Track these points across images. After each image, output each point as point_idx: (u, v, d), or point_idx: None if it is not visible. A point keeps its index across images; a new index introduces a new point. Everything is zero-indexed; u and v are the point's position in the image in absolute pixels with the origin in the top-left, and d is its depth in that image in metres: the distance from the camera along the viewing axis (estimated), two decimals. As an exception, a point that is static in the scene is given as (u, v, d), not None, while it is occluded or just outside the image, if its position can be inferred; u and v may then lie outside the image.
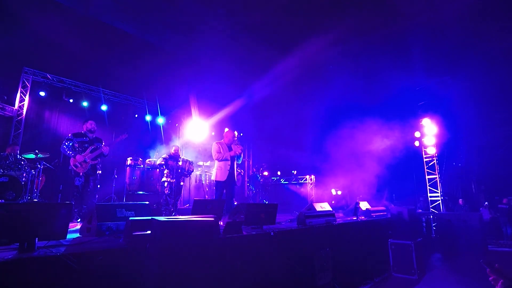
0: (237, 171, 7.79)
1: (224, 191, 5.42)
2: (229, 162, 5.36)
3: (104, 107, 8.88)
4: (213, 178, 5.58)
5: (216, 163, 5.47)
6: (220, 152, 5.38)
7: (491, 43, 8.12)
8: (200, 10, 7.33)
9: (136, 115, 9.62)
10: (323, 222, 4.20)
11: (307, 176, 10.95)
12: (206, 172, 9.00)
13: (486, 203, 8.86)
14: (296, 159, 11.28)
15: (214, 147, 5.51)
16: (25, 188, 5.57)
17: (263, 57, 9.24)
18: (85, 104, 8.57)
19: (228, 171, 5.29)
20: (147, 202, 3.36)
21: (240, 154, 5.56)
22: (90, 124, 5.28)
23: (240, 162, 5.83)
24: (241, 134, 11.10)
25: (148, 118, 9.79)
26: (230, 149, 5.49)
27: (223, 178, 5.28)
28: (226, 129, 5.74)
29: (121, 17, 7.26)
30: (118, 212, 2.94)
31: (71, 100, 8.36)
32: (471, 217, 6.94)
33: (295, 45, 8.54)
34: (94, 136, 5.30)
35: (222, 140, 5.60)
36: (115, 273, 2.06)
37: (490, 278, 1.43)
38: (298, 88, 10.50)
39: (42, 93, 7.87)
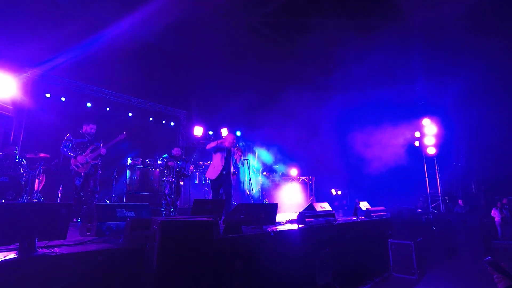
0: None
1: (221, 191, 5.30)
2: (222, 163, 5.15)
3: (105, 107, 8.89)
4: (207, 176, 5.40)
5: (211, 161, 5.35)
6: (215, 146, 5.17)
7: (491, 43, 8.12)
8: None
9: (130, 114, 9.59)
10: (323, 222, 4.20)
11: (307, 176, 10.94)
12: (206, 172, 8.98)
13: (498, 203, 8.16)
14: (296, 159, 11.26)
15: (211, 143, 5.33)
16: (25, 188, 5.57)
17: (265, 58, 9.25)
18: (85, 104, 8.57)
19: (220, 170, 5.09)
20: (147, 203, 3.36)
21: (240, 158, 5.44)
22: (90, 128, 5.23)
23: (240, 167, 5.67)
24: (239, 134, 11.09)
25: (151, 118, 9.86)
26: (229, 152, 5.31)
27: (214, 176, 5.11)
28: (225, 131, 5.56)
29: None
30: (118, 212, 2.94)
31: (63, 99, 8.30)
32: (471, 217, 6.94)
33: (298, 47, 8.55)
34: (93, 137, 5.29)
35: (221, 141, 5.36)
36: (115, 273, 2.06)
37: (495, 276, 1.43)
38: (299, 90, 10.49)
39: (42, 93, 7.87)
